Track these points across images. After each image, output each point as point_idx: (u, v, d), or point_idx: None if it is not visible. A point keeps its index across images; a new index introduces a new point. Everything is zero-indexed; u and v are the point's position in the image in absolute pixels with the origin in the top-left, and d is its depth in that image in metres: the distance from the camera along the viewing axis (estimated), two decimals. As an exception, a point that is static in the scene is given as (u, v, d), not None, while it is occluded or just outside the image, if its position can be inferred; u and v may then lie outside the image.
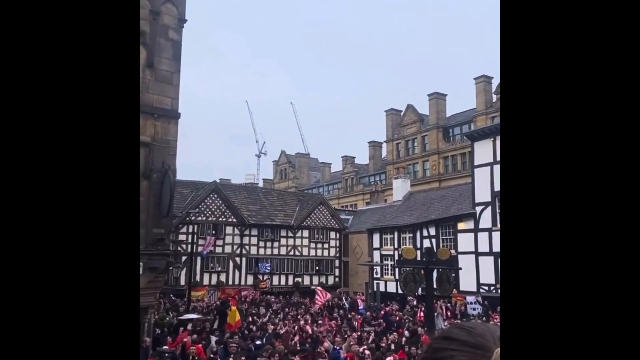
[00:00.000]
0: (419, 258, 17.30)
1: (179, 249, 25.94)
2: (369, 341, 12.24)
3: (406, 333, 13.37)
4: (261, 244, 30.82)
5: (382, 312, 19.18)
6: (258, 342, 12.25)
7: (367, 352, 9.80)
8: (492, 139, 23.50)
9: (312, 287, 25.96)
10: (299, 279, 31.55)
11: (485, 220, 23.49)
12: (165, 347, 11.46)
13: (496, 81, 39.14)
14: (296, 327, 14.34)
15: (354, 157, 58.47)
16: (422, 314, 16.75)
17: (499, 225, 22.63)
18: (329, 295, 21.95)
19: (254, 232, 30.57)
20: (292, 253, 31.82)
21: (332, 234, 33.53)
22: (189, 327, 14.55)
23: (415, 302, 20.69)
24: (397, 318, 17.52)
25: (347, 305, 22.31)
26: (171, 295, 23.60)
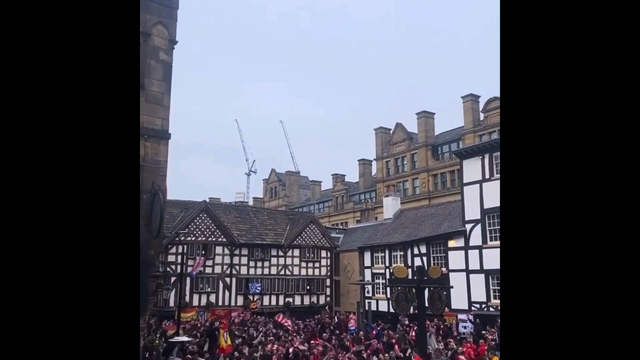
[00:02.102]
0: (410, 276, 17.27)
1: (168, 270, 25.62)
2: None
3: (399, 353, 13.26)
4: (251, 263, 30.53)
5: (374, 331, 19.02)
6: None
7: None
8: (481, 157, 23.74)
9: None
10: (290, 299, 31.24)
11: (476, 238, 23.57)
12: None
13: (483, 100, 39.74)
14: (285, 348, 14.14)
15: (344, 175, 58.64)
16: (414, 333, 16.64)
17: (489, 242, 22.72)
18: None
19: (244, 251, 30.31)
20: (282, 273, 31.55)
21: (323, 253, 33.35)
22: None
23: (407, 322, 20.57)
24: (393, 340, 17.33)
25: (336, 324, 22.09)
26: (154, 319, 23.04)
